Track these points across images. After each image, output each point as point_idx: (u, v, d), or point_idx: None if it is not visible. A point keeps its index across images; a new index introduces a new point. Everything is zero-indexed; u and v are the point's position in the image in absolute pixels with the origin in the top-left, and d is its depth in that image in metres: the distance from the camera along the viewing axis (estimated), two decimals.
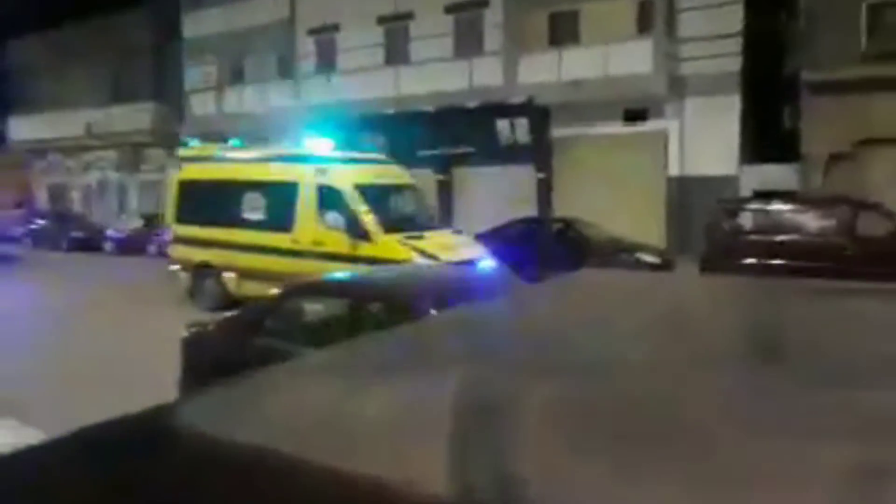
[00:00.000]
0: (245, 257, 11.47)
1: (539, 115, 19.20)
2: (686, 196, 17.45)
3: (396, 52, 22.03)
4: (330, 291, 5.08)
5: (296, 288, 5.14)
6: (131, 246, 23.52)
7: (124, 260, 22.31)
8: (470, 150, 20.35)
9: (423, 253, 10.05)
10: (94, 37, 29.10)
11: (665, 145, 17.96)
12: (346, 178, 11.02)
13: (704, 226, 13.29)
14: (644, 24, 17.88)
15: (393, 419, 1.04)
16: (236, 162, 12.67)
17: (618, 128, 18.23)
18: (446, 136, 20.44)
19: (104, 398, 3.43)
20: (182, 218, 12.92)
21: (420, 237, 10.62)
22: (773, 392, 1.05)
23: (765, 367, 1.26)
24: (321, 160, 11.31)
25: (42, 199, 34.63)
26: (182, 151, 13.88)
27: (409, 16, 21.53)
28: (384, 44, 22.30)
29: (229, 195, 12.01)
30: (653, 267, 13.81)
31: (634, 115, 18.12)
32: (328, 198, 10.83)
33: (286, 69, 24.90)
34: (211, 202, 12.25)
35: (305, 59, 24.19)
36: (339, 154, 11.99)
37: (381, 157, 13.66)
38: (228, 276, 11.94)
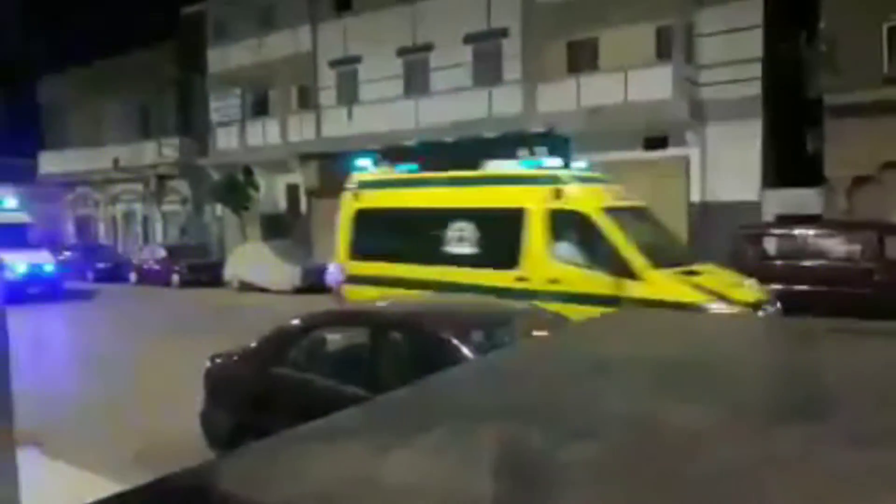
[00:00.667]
0: None
1: (559, 143, 19.21)
2: (708, 222, 17.30)
3: (416, 83, 22.30)
4: (350, 321, 5.08)
5: (317, 317, 5.14)
6: (156, 277, 23.78)
7: (153, 291, 22.50)
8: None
9: (712, 293, 8.11)
10: (122, 73, 29.85)
11: (686, 171, 17.87)
12: (588, 200, 9.08)
13: (728, 252, 13.12)
14: (663, 51, 17.93)
15: (428, 484, 1.02)
16: (430, 185, 10.80)
17: (639, 154, 18.19)
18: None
19: None
20: (359, 253, 10.95)
21: (694, 272, 8.66)
22: (824, 454, 1.01)
23: (815, 425, 1.20)
24: (551, 181, 9.30)
25: (69, 231, 35.28)
26: (357, 176, 11.84)
27: (428, 47, 21.82)
28: (404, 75, 22.58)
29: (424, 226, 10.23)
30: None
31: (655, 142, 18.08)
32: (565, 226, 9.02)
33: (307, 101, 25.29)
34: (397, 234, 10.52)
35: (326, 92, 24.55)
36: (571, 172, 10.11)
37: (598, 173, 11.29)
38: None
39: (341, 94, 24.09)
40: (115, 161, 30.79)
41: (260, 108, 27.04)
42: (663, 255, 8.92)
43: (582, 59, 19.25)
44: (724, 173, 17.41)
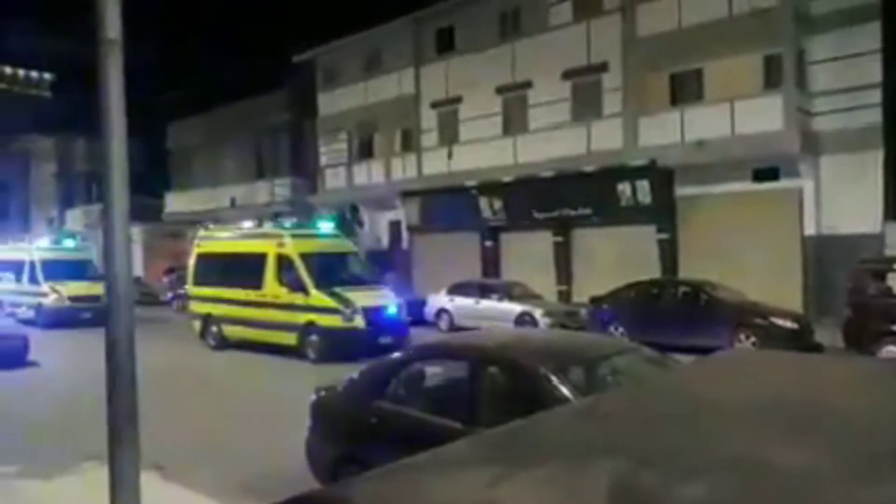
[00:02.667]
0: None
1: (662, 176, 18.87)
2: (824, 256, 16.37)
3: (515, 121, 22.55)
4: (448, 354, 5.20)
5: (416, 351, 5.31)
6: None
7: None
8: (588, 211, 20.24)
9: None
10: (239, 119, 32.01)
11: (800, 203, 17.04)
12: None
13: (847, 289, 12.36)
14: (772, 80, 17.28)
15: None
16: None
17: (747, 186, 17.54)
18: (564, 199, 20.51)
19: None
20: None
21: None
22: None
23: None
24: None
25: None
26: None
27: (527, 84, 22.07)
28: (503, 112, 22.91)
29: None
30: (790, 332, 12.94)
31: (765, 174, 17.38)
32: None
33: (410, 142, 26.08)
34: None
35: (428, 132, 25.25)
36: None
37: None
38: None
39: (442, 134, 24.70)
40: (233, 200, 32.83)
41: (365, 149, 28.14)
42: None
43: (686, 90, 18.86)
44: (841, 205, 16.47)
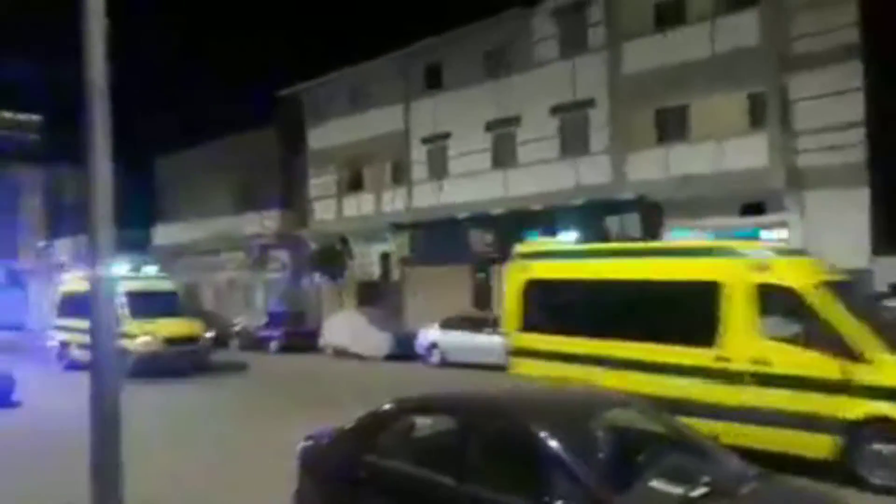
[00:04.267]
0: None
1: (650, 211, 19.03)
2: None
3: (504, 156, 22.77)
4: (440, 408, 5.16)
5: (407, 402, 5.27)
6: (256, 343, 24.75)
7: (251, 357, 23.33)
8: None
9: None
10: (228, 153, 32.12)
11: (785, 238, 17.18)
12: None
13: None
14: (757, 118, 17.59)
15: None
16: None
17: (734, 220, 17.70)
18: (555, 232, 20.59)
19: None
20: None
21: None
22: None
23: None
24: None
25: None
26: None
27: (515, 120, 22.33)
28: (492, 148, 23.11)
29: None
30: None
31: (752, 208, 17.58)
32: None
33: (400, 176, 26.22)
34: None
35: (418, 166, 25.40)
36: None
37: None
38: None
39: (432, 168, 24.87)
40: (220, 232, 32.77)
41: (355, 181, 28.27)
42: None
43: (671, 127, 19.13)
44: (828, 240, 16.53)
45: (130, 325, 17.60)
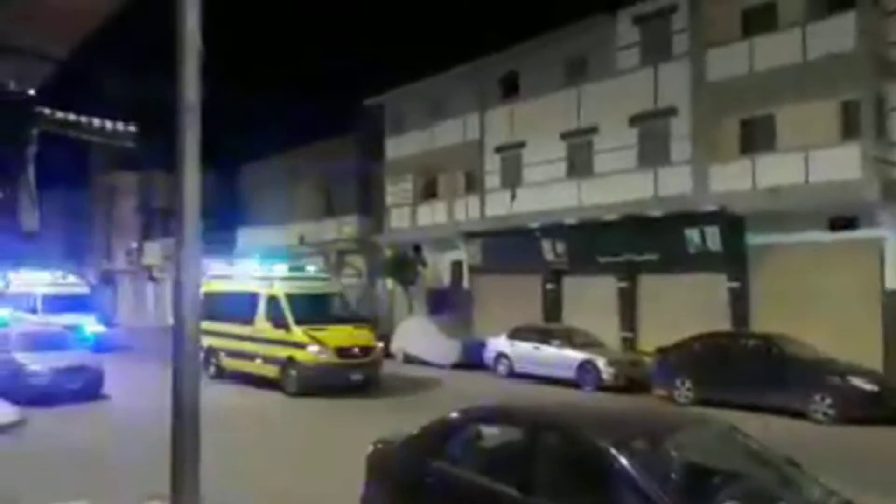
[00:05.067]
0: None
1: (732, 223, 18.35)
2: None
3: (579, 165, 22.44)
4: (508, 418, 5.13)
5: (475, 411, 5.26)
6: None
7: None
8: (654, 257, 19.81)
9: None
10: (311, 160, 33.09)
11: (881, 255, 16.22)
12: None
13: None
14: (849, 127, 16.68)
15: None
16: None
17: (823, 236, 16.85)
18: (630, 244, 20.14)
19: None
20: None
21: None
22: None
23: None
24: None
25: None
26: None
27: (592, 130, 21.98)
28: (567, 157, 22.84)
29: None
30: (869, 395, 12.22)
31: (842, 223, 16.67)
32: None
33: (473, 184, 26.29)
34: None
35: (491, 175, 25.40)
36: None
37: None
38: None
39: (505, 177, 24.79)
40: (301, 237, 33.72)
41: (430, 190, 28.52)
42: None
43: (757, 137, 18.36)
44: None
45: (295, 333, 15.63)
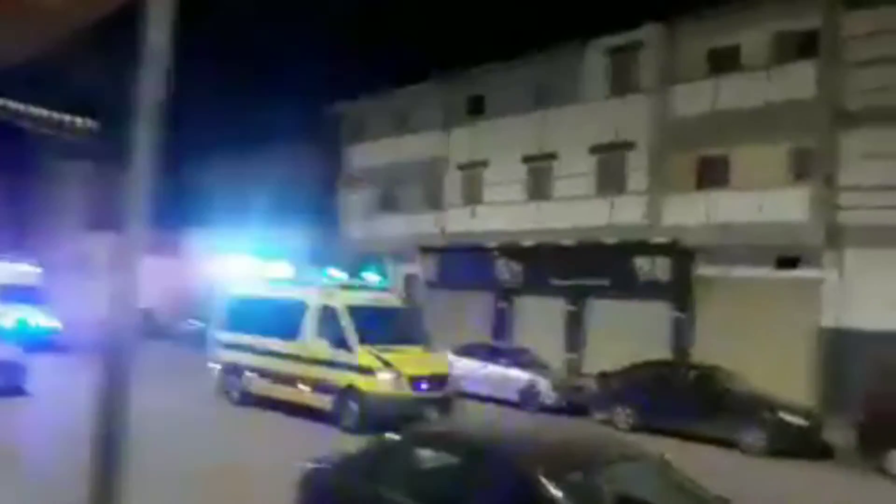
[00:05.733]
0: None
1: (682, 255, 18.79)
2: (840, 350, 16.03)
3: (539, 189, 22.70)
4: (443, 443, 5.10)
5: (414, 435, 5.24)
6: None
7: None
8: (605, 282, 20.15)
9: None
10: (266, 164, 32.55)
11: (819, 294, 16.79)
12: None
13: (865, 390, 12.07)
14: (800, 171, 17.29)
15: None
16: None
17: (768, 273, 17.38)
18: (582, 269, 20.45)
19: None
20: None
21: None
22: None
23: None
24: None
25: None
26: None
27: (553, 156, 22.26)
28: (527, 180, 23.08)
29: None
30: (799, 430, 12.59)
31: (787, 262, 17.23)
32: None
33: (434, 200, 26.31)
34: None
35: (452, 191, 25.49)
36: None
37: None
38: None
39: (466, 195, 24.90)
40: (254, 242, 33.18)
41: (389, 203, 28.44)
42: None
43: (713, 173, 18.84)
44: (864, 300, 16.17)
45: (360, 355, 12.38)
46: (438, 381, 12.66)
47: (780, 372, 15.51)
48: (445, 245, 24.61)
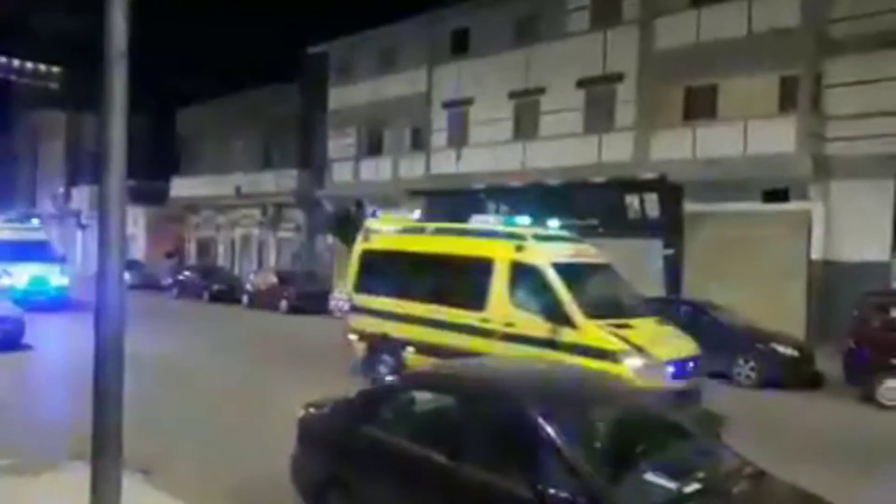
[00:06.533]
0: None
1: (671, 191, 18.70)
2: (830, 282, 16.20)
3: (526, 127, 22.38)
4: (439, 385, 5.08)
5: (407, 378, 5.19)
6: (267, 301, 24.69)
7: (262, 316, 23.41)
8: (594, 222, 20.04)
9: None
10: (251, 108, 31.93)
11: (808, 227, 16.84)
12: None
13: (852, 319, 12.20)
14: (787, 101, 17.09)
15: None
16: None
17: (756, 206, 17.35)
18: (571, 209, 20.25)
19: None
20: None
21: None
22: None
23: None
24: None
25: (191, 252, 37.72)
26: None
27: (540, 91, 21.89)
28: (514, 117, 22.74)
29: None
30: (790, 360, 12.79)
31: (775, 195, 17.18)
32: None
33: (420, 141, 25.94)
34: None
35: (438, 133, 25.09)
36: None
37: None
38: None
39: (452, 135, 24.55)
40: (238, 188, 32.78)
41: (374, 145, 28.02)
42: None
43: (699, 107, 18.65)
44: (851, 231, 16.28)
45: (588, 332, 8.90)
46: (694, 365, 9.39)
47: (772, 304, 15.67)
48: (433, 188, 24.35)
